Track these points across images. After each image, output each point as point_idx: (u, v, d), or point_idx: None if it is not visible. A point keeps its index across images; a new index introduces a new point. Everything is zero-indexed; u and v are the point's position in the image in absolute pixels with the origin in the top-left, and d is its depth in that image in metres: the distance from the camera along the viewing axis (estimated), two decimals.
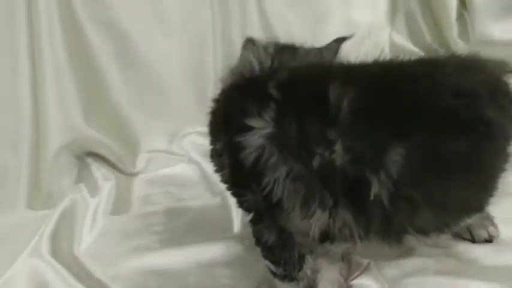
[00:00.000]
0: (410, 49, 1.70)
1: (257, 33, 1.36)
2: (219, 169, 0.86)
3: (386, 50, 1.69)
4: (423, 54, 0.85)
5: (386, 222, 0.71)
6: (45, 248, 1.03)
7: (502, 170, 0.77)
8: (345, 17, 1.58)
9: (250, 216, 0.83)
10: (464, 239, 1.01)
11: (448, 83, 0.72)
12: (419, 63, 0.78)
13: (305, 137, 0.71)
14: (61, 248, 1.05)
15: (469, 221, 0.91)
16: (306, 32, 1.43)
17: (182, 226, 1.10)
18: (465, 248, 1.00)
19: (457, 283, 0.91)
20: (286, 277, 0.85)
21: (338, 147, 0.69)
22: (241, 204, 0.84)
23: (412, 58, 0.77)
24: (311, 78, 0.77)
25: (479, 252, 0.98)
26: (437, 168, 0.69)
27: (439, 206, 0.72)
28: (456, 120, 0.69)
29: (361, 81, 0.73)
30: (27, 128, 1.16)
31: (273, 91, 0.75)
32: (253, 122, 0.74)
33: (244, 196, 0.80)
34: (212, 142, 0.87)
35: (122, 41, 1.27)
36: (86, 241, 1.09)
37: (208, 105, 0.84)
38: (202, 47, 1.37)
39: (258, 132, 0.74)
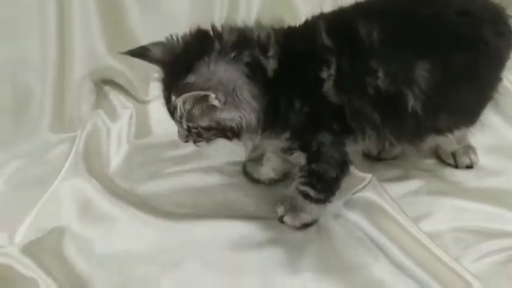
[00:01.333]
0: None
1: None
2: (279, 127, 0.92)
3: None
4: None
5: (418, 127, 0.92)
6: (81, 167, 1.10)
7: (496, 83, 0.98)
8: None
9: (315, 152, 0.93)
10: (449, 165, 1.18)
11: (453, 5, 0.91)
12: None
13: (357, 72, 0.86)
14: (95, 167, 1.13)
15: (455, 146, 1.13)
16: None
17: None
18: (450, 172, 1.17)
19: (444, 201, 1.08)
20: (321, 201, 0.99)
21: (380, 73, 0.86)
22: (307, 144, 0.93)
23: None
24: (342, 24, 0.90)
25: (462, 176, 1.16)
26: (450, 77, 0.88)
27: (453, 109, 0.93)
28: (459, 36, 0.89)
29: (381, 14, 0.89)
30: (53, 55, 1.20)
31: (326, 40, 0.88)
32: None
33: (318, 133, 0.91)
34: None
35: None
36: (114, 163, 1.17)
37: None
38: None
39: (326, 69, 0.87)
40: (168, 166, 1.17)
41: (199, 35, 0.88)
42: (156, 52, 0.88)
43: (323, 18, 0.92)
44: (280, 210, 1.03)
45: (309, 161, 0.94)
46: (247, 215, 1.05)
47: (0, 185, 1.11)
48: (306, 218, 1.02)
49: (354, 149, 0.94)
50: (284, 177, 1.10)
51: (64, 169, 1.11)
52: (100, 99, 1.30)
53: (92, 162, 1.14)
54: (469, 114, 1.01)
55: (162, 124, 1.25)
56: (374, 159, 1.18)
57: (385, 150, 1.16)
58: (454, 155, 1.17)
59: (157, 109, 1.33)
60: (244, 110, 0.85)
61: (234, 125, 0.86)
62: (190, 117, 0.86)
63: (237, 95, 0.83)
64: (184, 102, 0.83)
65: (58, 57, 1.21)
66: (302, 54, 0.88)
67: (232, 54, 0.84)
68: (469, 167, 1.17)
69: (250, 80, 0.84)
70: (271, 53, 0.87)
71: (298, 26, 0.94)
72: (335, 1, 1.65)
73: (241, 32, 0.88)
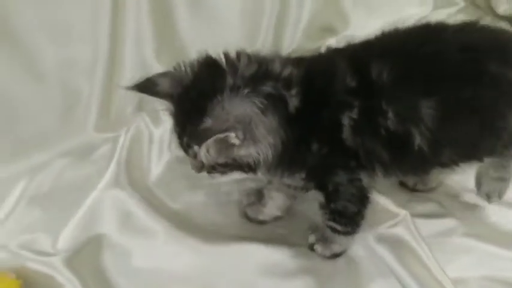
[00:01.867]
0: None
1: None
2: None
3: None
4: None
5: (423, 162, 0.93)
6: (123, 177, 1.13)
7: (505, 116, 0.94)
8: None
9: (332, 192, 0.94)
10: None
11: (456, 41, 0.91)
12: (427, 27, 0.96)
13: (371, 114, 0.87)
14: (135, 177, 1.16)
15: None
16: None
17: None
18: (490, 211, 1.14)
19: (477, 245, 1.07)
20: (349, 232, 1.00)
21: (390, 114, 0.86)
22: (324, 184, 0.94)
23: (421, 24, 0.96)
24: (359, 64, 0.90)
25: (501, 217, 1.13)
26: (453, 113, 0.88)
27: (457, 144, 0.93)
28: (462, 72, 0.88)
29: (390, 53, 0.90)
30: (103, 59, 1.22)
31: (349, 81, 0.87)
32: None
33: (335, 174, 0.91)
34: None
35: None
36: (154, 172, 1.20)
37: None
38: None
39: (348, 113, 0.87)
40: (204, 177, 1.18)
41: (209, 65, 0.85)
42: (164, 85, 0.86)
43: (341, 56, 0.91)
44: (312, 238, 1.05)
45: (328, 200, 0.96)
46: (278, 239, 1.06)
47: (45, 185, 1.15)
48: (336, 248, 1.03)
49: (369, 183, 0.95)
50: (288, 212, 1.11)
51: (107, 175, 1.14)
52: (144, 103, 1.31)
53: (133, 172, 1.17)
54: (475, 148, 0.98)
55: None
56: (411, 189, 1.18)
57: (422, 181, 1.16)
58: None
59: None
60: (262, 145, 0.83)
61: (251, 160, 0.85)
62: (208, 158, 0.85)
63: (254, 129, 0.82)
64: (207, 150, 0.82)
65: (108, 60, 1.24)
66: (324, 95, 0.87)
67: (246, 90, 0.81)
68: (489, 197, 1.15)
69: (267, 113, 0.82)
70: (294, 91, 0.85)
71: (318, 60, 0.93)
72: (383, 11, 1.67)
73: (261, 62, 0.85)
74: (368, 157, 0.90)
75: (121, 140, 1.22)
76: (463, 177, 1.16)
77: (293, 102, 0.84)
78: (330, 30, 1.62)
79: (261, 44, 1.48)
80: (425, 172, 1.01)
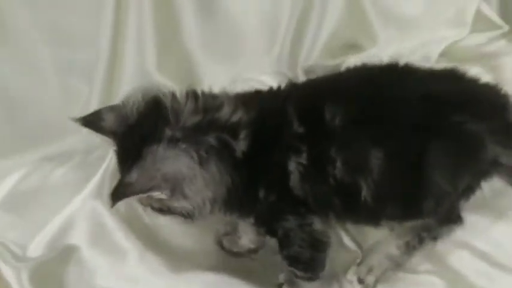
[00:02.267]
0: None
1: None
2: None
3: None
4: None
5: (371, 214, 0.89)
6: (106, 189, 1.11)
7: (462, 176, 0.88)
8: None
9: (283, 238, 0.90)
10: None
11: (420, 87, 0.86)
12: (393, 69, 0.91)
13: (320, 161, 0.82)
14: None
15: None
16: None
17: None
18: None
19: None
20: (311, 279, 0.96)
21: (338, 163, 0.81)
22: (274, 230, 0.90)
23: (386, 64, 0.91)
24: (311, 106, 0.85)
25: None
26: (399, 167, 0.83)
27: (401, 200, 0.87)
28: (416, 124, 0.82)
29: (346, 95, 0.86)
30: (104, 64, 1.21)
31: (297, 126, 0.84)
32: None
33: (285, 220, 0.88)
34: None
35: None
36: None
37: None
38: None
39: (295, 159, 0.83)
40: None
41: (154, 107, 0.82)
42: (109, 122, 0.83)
43: (294, 96, 0.87)
44: (281, 277, 1.01)
45: (281, 247, 0.92)
46: (250, 272, 1.03)
47: (32, 182, 1.17)
48: None
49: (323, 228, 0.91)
50: (262, 245, 1.07)
51: (91, 184, 1.14)
52: None
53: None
54: (419, 206, 0.89)
55: None
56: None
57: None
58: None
59: None
60: (196, 200, 0.81)
61: (185, 212, 0.83)
62: (142, 201, 0.84)
63: (184, 187, 0.79)
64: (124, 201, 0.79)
65: (108, 63, 1.23)
66: (272, 140, 0.83)
67: (185, 143, 0.78)
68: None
69: (209, 166, 0.79)
70: (242, 135, 0.82)
71: (270, 100, 0.89)
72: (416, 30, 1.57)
73: (207, 109, 0.82)
74: (319, 204, 0.87)
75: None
76: None
77: (240, 147, 0.81)
78: (355, 47, 1.54)
79: (276, 58, 1.43)
80: (376, 223, 0.94)
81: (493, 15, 1.68)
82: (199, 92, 0.85)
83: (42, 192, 1.15)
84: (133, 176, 0.76)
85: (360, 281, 1.00)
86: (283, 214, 0.87)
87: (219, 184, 0.81)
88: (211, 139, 0.80)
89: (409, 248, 1.00)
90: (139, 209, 1.08)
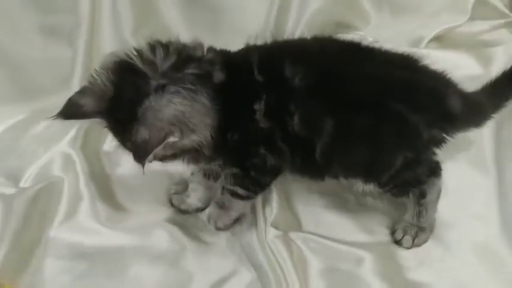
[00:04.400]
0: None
1: None
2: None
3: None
4: None
5: (319, 170, 0.99)
6: (79, 141, 1.21)
7: (397, 150, 0.95)
8: None
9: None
10: None
11: (368, 70, 0.92)
12: (354, 46, 0.99)
13: (281, 108, 0.91)
14: (90, 143, 1.23)
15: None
16: None
17: None
18: None
19: None
20: (249, 197, 1.04)
21: (296, 118, 0.90)
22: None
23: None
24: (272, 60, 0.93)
25: None
26: (348, 137, 0.92)
27: (345, 163, 0.97)
28: (365, 103, 0.90)
29: (309, 59, 0.93)
30: (84, 28, 1.29)
31: (258, 76, 0.91)
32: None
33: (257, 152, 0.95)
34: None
35: None
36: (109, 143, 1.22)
37: None
38: None
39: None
40: None
41: (126, 70, 0.85)
42: (88, 105, 0.86)
43: (258, 50, 0.95)
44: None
45: (237, 162, 0.98)
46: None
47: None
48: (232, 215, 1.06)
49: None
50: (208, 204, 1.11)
51: (67, 138, 1.23)
52: None
53: (90, 138, 1.24)
54: (362, 171, 0.99)
55: None
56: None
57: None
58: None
59: None
60: (200, 130, 0.87)
61: (196, 145, 0.88)
62: (156, 155, 0.87)
63: (188, 122, 0.85)
64: (152, 158, 0.85)
65: (88, 30, 1.31)
66: (239, 79, 0.91)
67: (172, 86, 0.83)
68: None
69: (198, 97, 0.85)
70: (217, 67, 0.89)
71: (237, 51, 0.97)
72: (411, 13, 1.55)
73: (180, 50, 0.87)
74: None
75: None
76: None
77: (217, 76, 0.89)
78: (347, 27, 1.54)
79: (259, 33, 1.45)
80: (320, 178, 1.03)
81: (499, 3, 1.64)
82: (164, 41, 0.89)
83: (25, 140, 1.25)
84: (144, 134, 0.81)
85: None
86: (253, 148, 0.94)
87: (211, 109, 0.87)
88: (192, 69, 0.86)
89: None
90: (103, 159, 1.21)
